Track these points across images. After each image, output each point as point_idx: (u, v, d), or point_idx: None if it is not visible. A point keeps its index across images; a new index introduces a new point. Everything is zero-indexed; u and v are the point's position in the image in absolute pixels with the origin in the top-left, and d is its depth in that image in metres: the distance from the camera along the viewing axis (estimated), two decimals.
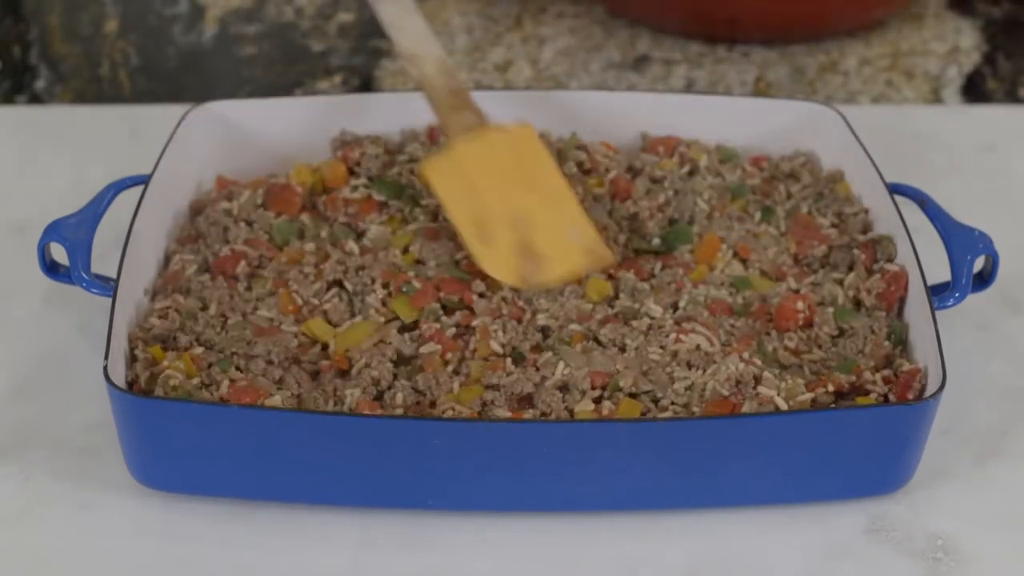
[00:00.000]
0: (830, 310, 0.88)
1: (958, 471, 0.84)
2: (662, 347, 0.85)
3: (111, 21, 1.37)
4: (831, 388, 0.82)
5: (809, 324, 0.88)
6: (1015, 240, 0.96)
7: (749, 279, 0.91)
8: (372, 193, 0.98)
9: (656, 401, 0.82)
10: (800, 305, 0.88)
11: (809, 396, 0.81)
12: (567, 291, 0.90)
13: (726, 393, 0.81)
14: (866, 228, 0.95)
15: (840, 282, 0.91)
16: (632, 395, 0.82)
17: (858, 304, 0.90)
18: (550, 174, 0.92)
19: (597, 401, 0.82)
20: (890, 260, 0.92)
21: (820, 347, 0.87)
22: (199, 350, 0.85)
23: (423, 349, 0.86)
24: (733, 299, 0.90)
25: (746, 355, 0.84)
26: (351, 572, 0.78)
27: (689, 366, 0.84)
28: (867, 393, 0.82)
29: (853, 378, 0.83)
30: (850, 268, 0.93)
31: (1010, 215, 1.06)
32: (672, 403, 0.82)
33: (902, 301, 0.89)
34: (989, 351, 0.94)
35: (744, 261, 0.93)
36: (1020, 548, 0.80)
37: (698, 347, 0.85)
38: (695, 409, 0.81)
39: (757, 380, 0.82)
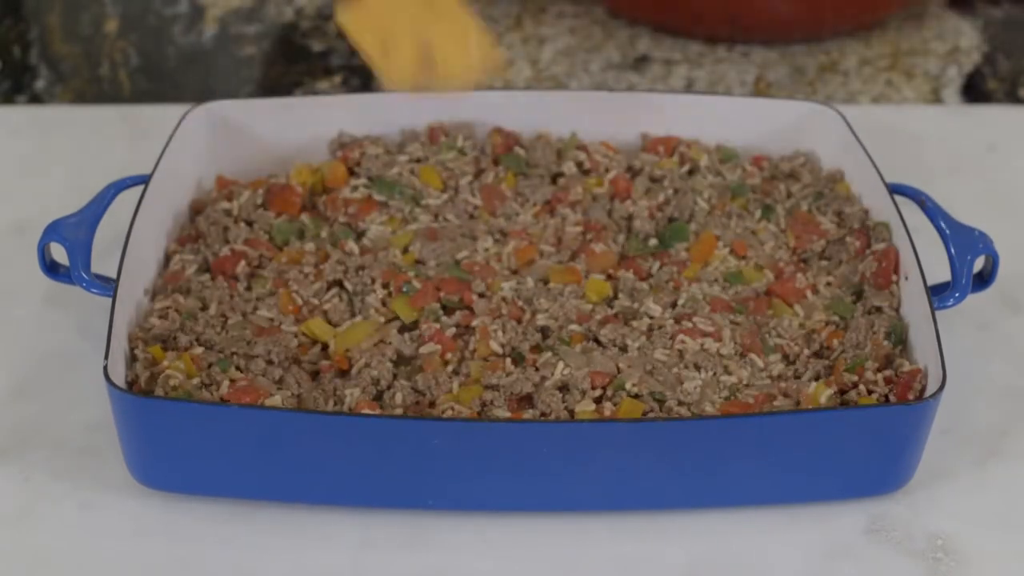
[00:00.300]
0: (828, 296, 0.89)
1: (958, 471, 0.84)
2: (666, 347, 0.85)
3: (111, 21, 1.37)
4: (835, 388, 0.82)
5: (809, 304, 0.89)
6: (1015, 240, 0.96)
7: (742, 272, 0.92)
8: (372, 193, 0.98)
9: (661, 402, 0.82)
10: (800, 280, 0.88)
11: (827, 392, 0.81)
12: (567, 291, 0.90)
13: (750, 398, 0.82)
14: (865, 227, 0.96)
15: (832, 272, 0.92)
16: (636, 396, 0.82)
17: (857, 296, 0.90)
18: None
19: (598, 401, 0.82)
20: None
21: (821, 345, 0.87)
22: (199, 350, 0.85)
23: (423, 349, 0.86)
24: (729, 295, 0.90)
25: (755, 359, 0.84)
26: (351, 572, 0.78)
27: (696, 367, 0.84)
28: (868, 393, 0.82)
29: (855, 377, 0.83)
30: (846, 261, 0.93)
31: (1010, 215, 1.06)
32: (680, 402, 0.82)
33: (898, 285, 0.89)
34: (989, 351, 0.94)
35: (742, 258, 0.94)
36: (1020, 548, 0.80)
37: (702, 347, 0.85)
38: (708, 407, 0.81)
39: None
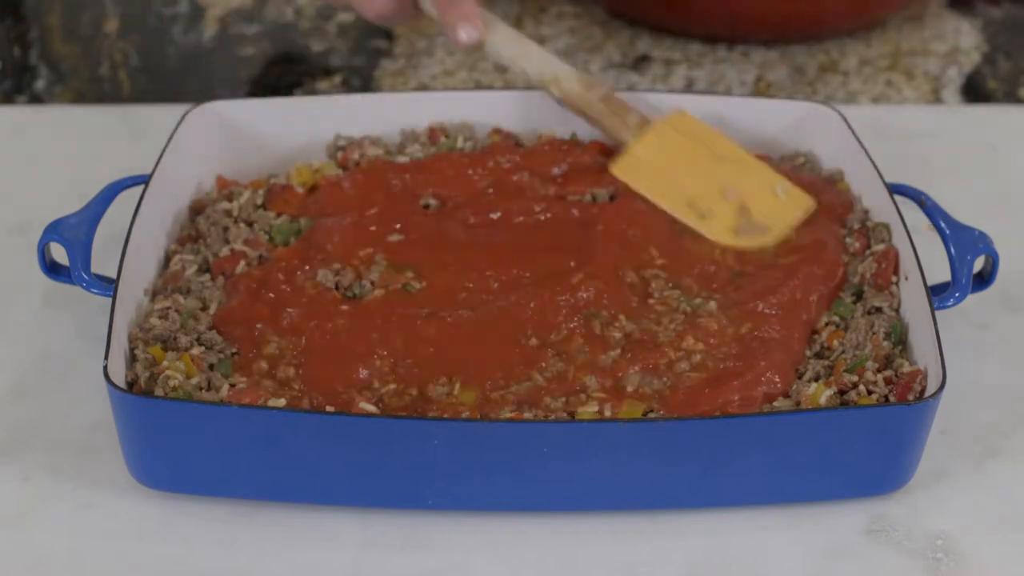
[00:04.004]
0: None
1: (958, 471, 0.84)
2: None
3: (111, 21, 1.37)
4: (835, 388, 0.82)
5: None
6: (1015, 240, 0.96)
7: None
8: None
9: (664, 401, 0.82)
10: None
11: (827, 392, 0.82)
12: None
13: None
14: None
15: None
16: (639, 396, 0.82)
17: (857, 297, 0.90)
18: (726, 145, 0.96)
19: (599, 401, 0.82)
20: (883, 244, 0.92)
21: (821, 345, 0.87)
22: (199, 350, 0.85)
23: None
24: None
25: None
26: (351, 572, 0.78)
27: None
28: (868, 393, 0.82)
29: (855, 378, 0.83)
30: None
31: (1010, 215, 1.06)
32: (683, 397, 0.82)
33: (898, 286, 0.89)
34: (989, 351, 0.94)
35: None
36: (1020, 548, 0.80)
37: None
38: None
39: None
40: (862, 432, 0.79)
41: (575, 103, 0.96)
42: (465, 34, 0.93)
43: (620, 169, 0.95)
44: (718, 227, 0.92)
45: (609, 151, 1.01)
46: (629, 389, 0.83)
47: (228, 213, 0.96)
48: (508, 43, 0.97)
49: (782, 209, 0.93)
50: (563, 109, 1.00)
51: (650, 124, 0.97)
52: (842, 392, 0.83)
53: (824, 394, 0.82)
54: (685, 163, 0.95)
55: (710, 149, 0.96)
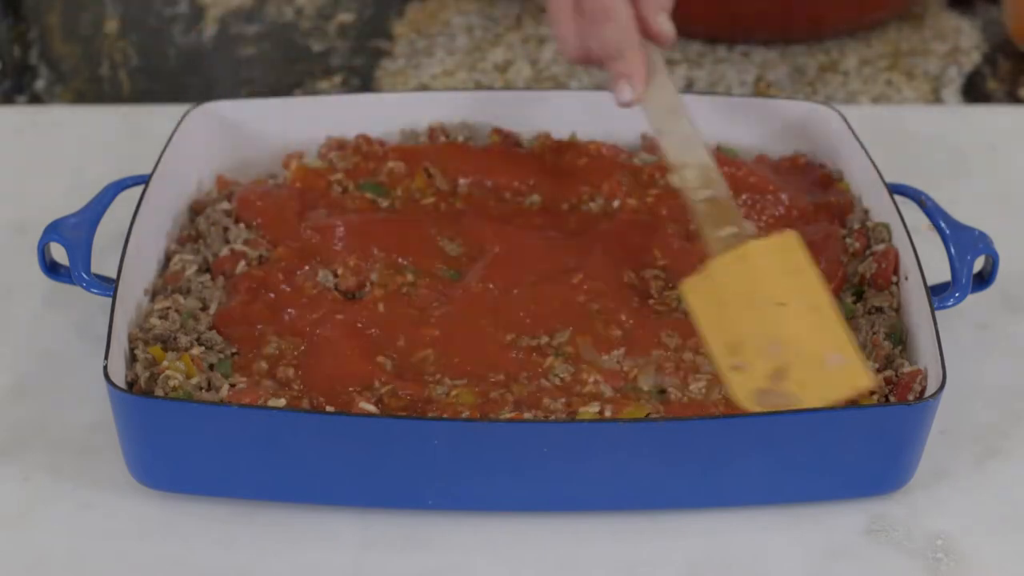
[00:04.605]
0: None
1: (958, 471, 0.84)
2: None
3: (111, 21, 1.37)
4: None
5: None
6: (1015, 240, 0.96)
7: None
8: (367, 194, 0.98)
9: (666, 402, 0.82)
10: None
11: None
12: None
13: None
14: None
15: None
16: (643, 396, 0.82)
17: (857, 297, 0.90)
18: (813, 288, 0.83)
19: (600, 401, 0.82)
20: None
21: None
22: (199, 350, 0.85)
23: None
24: None
25: None
26: (351, 572, 0.78)
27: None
28: (868, 393, 0.82)
29: None
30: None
31: (1010, 215, 1.06)
32: (686, 398, 0.82)
33: (898, 286, 0.89)
34: (989, 351, 0.94)
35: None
36: (1020, 548, 0.80)
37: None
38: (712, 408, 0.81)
39: None
40: (862, 432, 0.79)
41: (685, 196, 0.89)
42: (625, 95, 0.89)
43: (688, 288, 0.85)
44: (742, 386, 0.81)
45: (612, 151, 1.02)
46: (632, 390, 0.83)
47: (228, 213, 0.96)
48: (661, 112, 0.90)
49: (824, 383, 0.80)
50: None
51: (741, 243, 0.85)
52: None
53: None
54: (752, 299, 0.84)
55: (789, 288, 0.83)
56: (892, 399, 0.82)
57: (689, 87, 1.26)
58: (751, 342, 0.82)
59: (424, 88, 1.25)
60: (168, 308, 0.87)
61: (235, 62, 1.30)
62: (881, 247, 0.92)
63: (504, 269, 0.92)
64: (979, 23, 1.36)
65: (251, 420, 0.77)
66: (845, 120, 1.00)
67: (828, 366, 0.80)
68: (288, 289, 0.90)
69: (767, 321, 0.82)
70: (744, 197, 0.98)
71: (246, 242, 0.93)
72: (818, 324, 0.82)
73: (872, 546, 0.80)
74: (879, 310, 0.89)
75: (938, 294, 0.86)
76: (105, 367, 0.78)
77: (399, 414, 0.81)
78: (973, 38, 1.34)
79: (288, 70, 1.30)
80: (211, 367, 0.84)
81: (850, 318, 0.88)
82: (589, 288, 0.90)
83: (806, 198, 0.98)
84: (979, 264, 0.89)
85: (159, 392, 0.81)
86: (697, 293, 0.84)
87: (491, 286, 0.90)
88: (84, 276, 0.87)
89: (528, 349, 0.86)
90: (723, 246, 0.85)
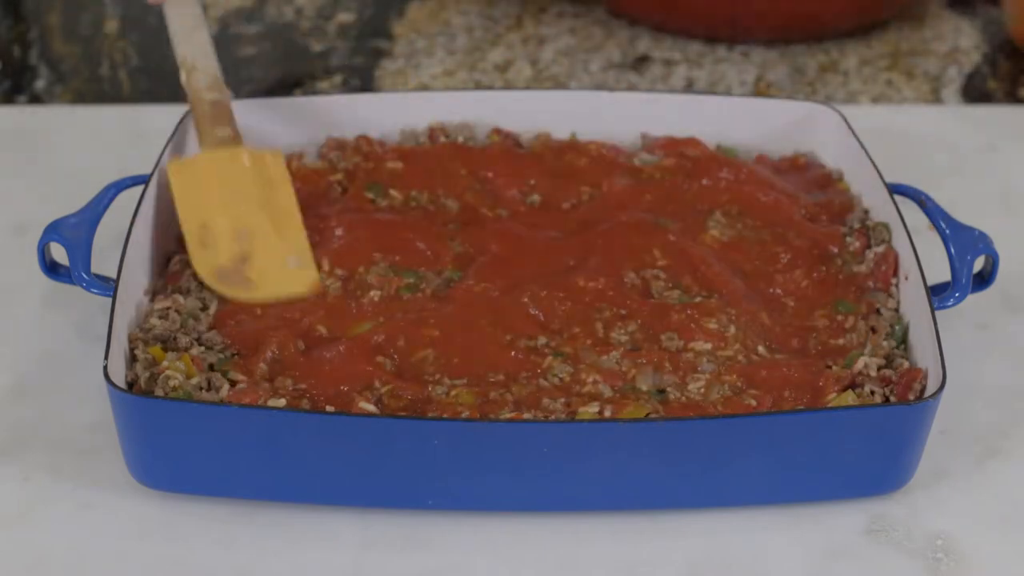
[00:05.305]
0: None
1: (958, 471, 0.84)
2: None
3: (111, 21, 1.37)
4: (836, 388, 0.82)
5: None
6: (1015, 240, 0.96)
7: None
8: (365, 193, 0.98)
9: (665, 402, 0.82)
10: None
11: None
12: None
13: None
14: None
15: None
16: (643, 397, 0.82)
17: (858, 296, 0.90)
18: (287, 199, 0.94)
19: (600, 402, 0.82)
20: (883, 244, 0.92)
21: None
22: (199, 350, 0.85)
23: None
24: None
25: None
26: (351, 572, 0.78)
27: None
28: (869, 393, 0.82)
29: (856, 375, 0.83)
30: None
31: (1010, 215, 1.06)
32: (685, 398, 0.82)
33: (898, 286, 0.89)
34: (989, 351, 0.94)
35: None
36: (1020, 548, 0.80)
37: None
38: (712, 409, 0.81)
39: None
40: (862, 432, 0.79)
41: (190, 95, 0.98)
42: None
43: (174, 167, 0.94)
44: (206, 261, 0.90)
45: (612, 151, 1.02)
46: (631, 390, 0.83)
47: None
48: (181, 18, 1.00)
49: (280, 278, 0.91)
50: None
51: (234, 147, 0.96)
52: (843, 388, 0.83)
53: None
54: (232, 193, 0.94)
55: (264, 195, 0.94)
56: (892, 399, 0.82)
57: (689, 87, 1.26)
58: (222, 226, 0.92)
59: (424, 88, 1.25)
60: (168, 308, 0.87)
61: (235, 62, 1.30)
62: (881, 247, 0.92)
63: (504, 269, 0.92)
64: (979, 23, 1.36)
65: (251, 420, 0.77)
66: (845, 120, 1.00)
67: (287, 265, 0.91)
68: None
69: (241, 215, 0.93)
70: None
71: None
72: (285, 228, 0.93)
73: (872, 546, 0.80)
74: (879, 310, 0.89)
75: (938, 294, 0.86)
76: (105, 367, 0.78)
77: (399, 414, 0.81)
78: (973, 38, 1.34)
79: (288, 70, 1.30)
80: (211, 367, 0.84)
81: (846, 309, 0.88)
82: (589, 288, 0.90)
83: (806, 198, 0.98)
84: (979, 264, 0.89)
85: (159, 392, 0.81)
86: (182, 175, 0.94)
87: (491, 286, 0.90)
88: (84, 276, 0.87)
89: (528, 349, 0.86)
90: (217, 143, 0.96)
